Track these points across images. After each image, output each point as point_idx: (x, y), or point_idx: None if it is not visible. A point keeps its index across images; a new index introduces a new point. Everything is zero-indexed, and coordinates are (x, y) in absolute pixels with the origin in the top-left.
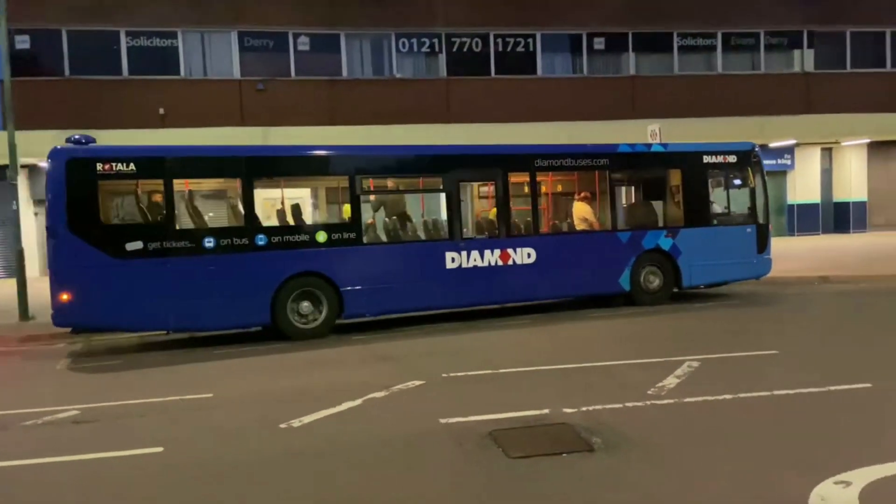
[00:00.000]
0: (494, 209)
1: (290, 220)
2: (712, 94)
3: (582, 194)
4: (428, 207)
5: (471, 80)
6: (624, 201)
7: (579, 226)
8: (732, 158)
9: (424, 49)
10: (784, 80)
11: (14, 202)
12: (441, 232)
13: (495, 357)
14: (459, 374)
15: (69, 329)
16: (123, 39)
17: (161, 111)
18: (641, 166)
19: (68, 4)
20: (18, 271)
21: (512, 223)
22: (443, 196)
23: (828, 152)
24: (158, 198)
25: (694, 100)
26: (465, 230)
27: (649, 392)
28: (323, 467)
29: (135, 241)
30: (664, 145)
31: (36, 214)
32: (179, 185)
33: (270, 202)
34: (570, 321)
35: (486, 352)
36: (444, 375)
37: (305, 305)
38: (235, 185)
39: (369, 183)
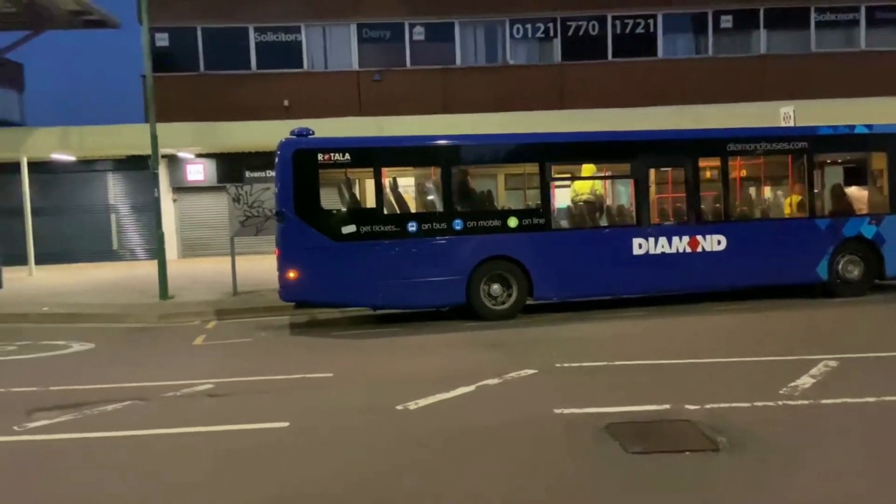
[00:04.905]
0: (684, 195)
1: (484, 206)
2: (854, 72)
3: (795, 180)
4: (616, 193)
5: (586, 65)
6: (823, 187)
7: (787, 212)
8: None
9: (539, 34)
10: None
11: (155, 190)
12: (629, 218)
13: (615, 348)
14: (574, 364)
15: (294, 304)
16: (252, 35)
17: (286, 103)
18: (843, 149)
19: (203, 3)
20: (159, 253)
21: (701, 209)
22: (631, 182)
23: None
24: (369, 185)
25: (833, 79)
26: (652, 216)
27: (781, 392)
28: (439, 450)
29: (350, 224)
30: (868, 127)
31: (174, 201)
32: (388, 173)
33: (466, 188)
34: (710, 313)
35: (607, 342)
36: (557, 365)
37: (496, 287)
38: (437, 172)
39: (559, 169)
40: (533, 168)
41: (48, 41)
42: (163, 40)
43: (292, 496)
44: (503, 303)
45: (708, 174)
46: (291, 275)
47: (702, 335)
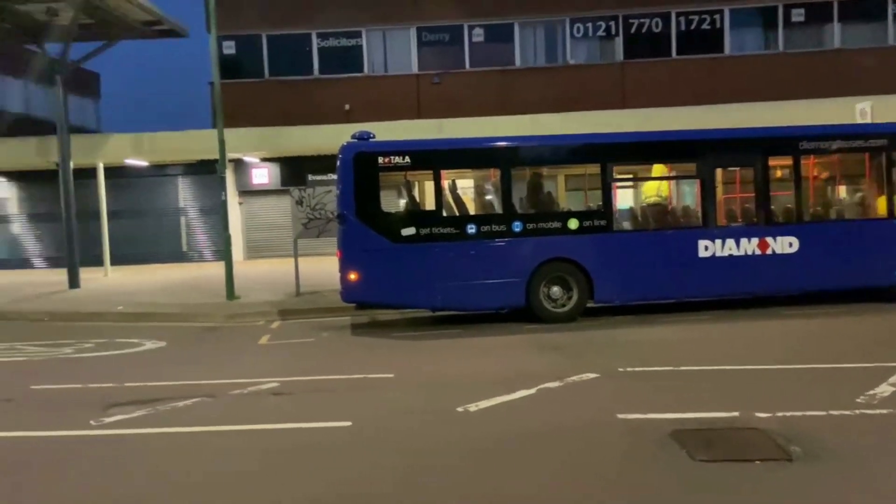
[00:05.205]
0: (753, 195)
1: (544, 208)
2: None
3: (872, 179)
4: (680, 194)
5: (649, 63)
6: None
7: (864, 213)
8: None
9: (600, 33)
10: None
11: (223, 193)
12: (694, 219)
13: (679, 352)
14: (637, 368)
15: (354, 305)
16: (315, 41)
17: (347, 107)
18: None
19: (267, 11)
20: (226, 255)
21: (772, 210)
22: (696, 182)
23: None
24: (429, 187)
25: None
26: (719, 218)
27: (858, 400)
28: (499, 454)
29: (410, 227)
30: None
31: (240, 204)
32: (447, 175)
33: (526, 190)
34: (779, 317)
35: (671, 346)
36: (620, 369)
37: (556, 290)
38: (496, 174)
39: (621, 170)
40: (594, 169)
41: (120, 51)
42: (229, 48)
43: (332, 496)
44: (563, 305)
45: (778, 174)
46: (352, 276)
47: (772, 340)
